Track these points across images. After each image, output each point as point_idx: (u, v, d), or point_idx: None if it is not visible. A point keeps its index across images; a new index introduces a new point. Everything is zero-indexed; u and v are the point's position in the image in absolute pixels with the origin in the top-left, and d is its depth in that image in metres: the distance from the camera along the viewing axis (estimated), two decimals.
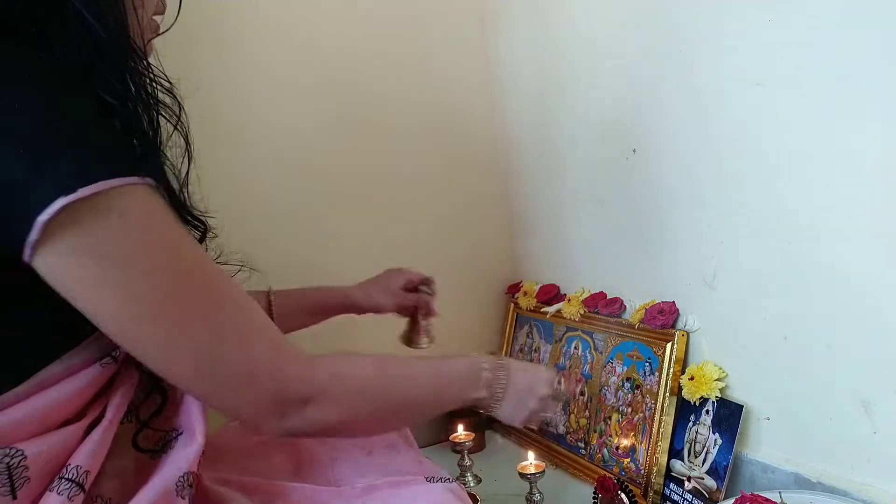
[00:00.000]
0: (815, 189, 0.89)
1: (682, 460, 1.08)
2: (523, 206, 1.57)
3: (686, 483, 1.06)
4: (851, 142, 0.84)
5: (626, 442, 1.18)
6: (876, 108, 0.80)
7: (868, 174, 0.83)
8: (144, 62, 0.60)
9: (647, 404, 1.15)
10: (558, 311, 1.41)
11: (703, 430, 1.05)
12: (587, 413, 1.29)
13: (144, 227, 0.50)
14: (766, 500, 0.83)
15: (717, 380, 1.04)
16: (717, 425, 1.03)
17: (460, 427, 1.28)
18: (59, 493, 0.51)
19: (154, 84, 0.61)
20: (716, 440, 1.03)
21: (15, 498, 0.50)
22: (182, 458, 0.58)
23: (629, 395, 1.20)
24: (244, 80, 1.30)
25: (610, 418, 1.23)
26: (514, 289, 1.59)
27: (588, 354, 1.32)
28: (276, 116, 1.33)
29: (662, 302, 1.17)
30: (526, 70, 1.46)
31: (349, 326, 1.13)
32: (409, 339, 1.07)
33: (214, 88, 1.23)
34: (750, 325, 1.01)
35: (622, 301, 1.27)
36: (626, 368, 1.22)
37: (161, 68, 0.64)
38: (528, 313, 1.52)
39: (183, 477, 0.57)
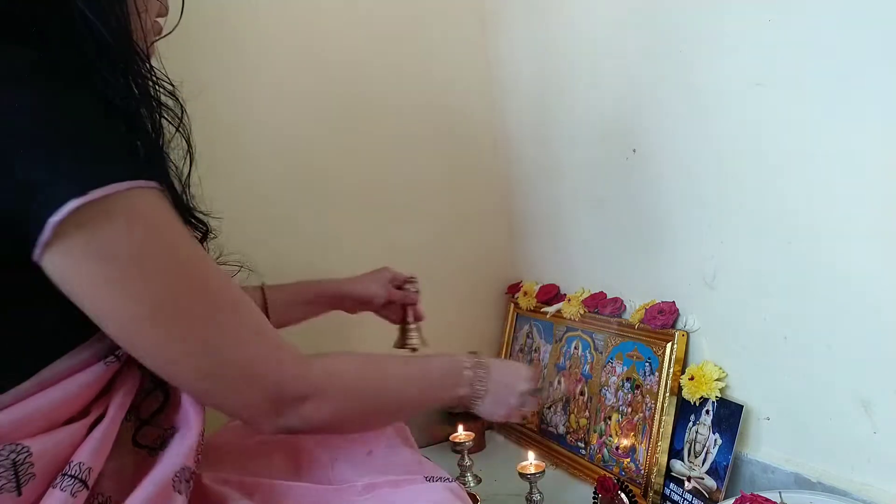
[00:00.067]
0: (815, 189, 0.89)
1: (682, 460, 1.08)
2: (523, 206, 1.57)
3: (686, 483, 1.06)
4: (851, 142, 0.84)
5: (626, 442, 1.18)
6: (876, 108, 0.80)
7: (868, 174, 0.83)
8: (147, 65, 0.60)
9: (647, 404, 1.15)
10: (558, 311, 1.41)
11: (703, 430, 1.05)
12: (587, 413, 1.29)
13: (151, 230, 0.52)
14: (766, 500, 0.83)
15: (717, 380, 1.04)
16: (717, 425, 1.03)
17: (460, 427, 1.28)
18: (62, 490, 0.51)
19: (157, 87, 0.61)
20: (716, 440, 1.03)
21: (20, 494, 0.50)
22: (178, 453, 0.58)
23: (629, 395, 1.20)
24: (244, 80, 1.30)
25: (610, 418, 1.23)
26: (514, 289, 1.59)
27: (588, 354, 1.32)
28: (276, 117, 1.33)
29: (662, 302, 1.17)
30: (526, 70, 1.46)
31: (343, 327, 1.15)
32: (403, 344, 1.09)
33: (214, 89, 1.23)
34: (750, 325, 1.01)
35: (622, 301, 1.27)
36: (626, 368, 1.22)
37: (164, 70, 0.64)
38: (528, 313, 1.52)
39: (179, 472, 0.57)
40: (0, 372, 0.52)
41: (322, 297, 1.04)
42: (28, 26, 0.52)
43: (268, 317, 0.73)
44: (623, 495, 1.01)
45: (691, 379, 1.08)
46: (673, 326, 1.14)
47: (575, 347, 1.36)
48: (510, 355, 1.55)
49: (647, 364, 1.17)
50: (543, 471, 1.10)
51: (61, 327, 0.55)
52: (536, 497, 1.10)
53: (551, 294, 1.46)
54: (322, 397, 0.61)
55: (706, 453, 1.04)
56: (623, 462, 1.17)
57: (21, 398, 0.52)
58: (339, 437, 0.77)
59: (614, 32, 1.20)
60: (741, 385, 1.04)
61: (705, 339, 1.10)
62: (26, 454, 0.50)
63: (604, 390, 1.26)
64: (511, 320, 1.57)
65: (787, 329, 0.96)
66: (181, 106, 0.64)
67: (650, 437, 1.12)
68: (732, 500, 0.87)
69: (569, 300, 1.39)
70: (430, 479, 0.70)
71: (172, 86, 0.64)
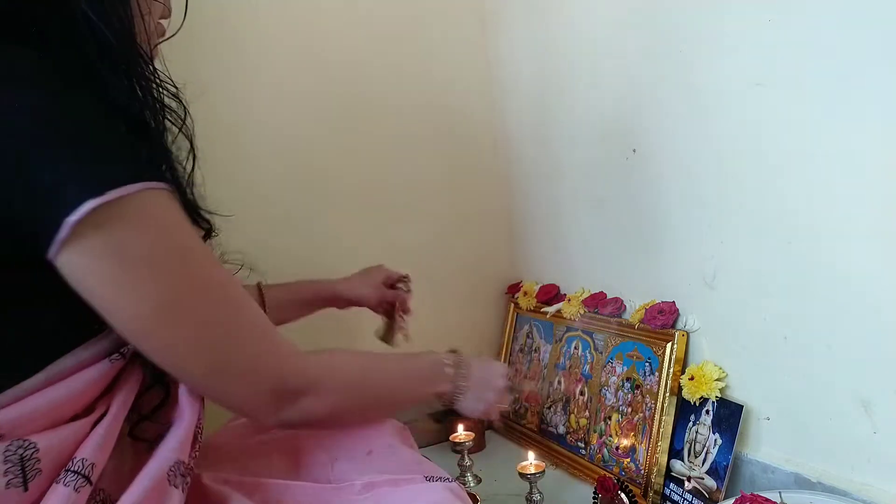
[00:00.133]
0: (815, 189, 0.89)
1: (682, 460, 1.08)
2: (523, 206, 1.57)
3: (686, 483, 1.06)
4: (851, 142, 0.84)
5: (626, 442, 1.18)
6: (876, 108, 0.80)
7: (868, 174, 0.83)
8: (150, 67, 0.61)
9: (647, 404, 1.15)
10: (558, 311, 1.41)
11: (703, 430, 1.05)
12: (587, 413, 1.29)
13: (163, 230, 0.54)
14: (766, 500, 0.83)
15: (717, 380, 1.04)
16: (717, 425, 1.03)
17: (460, 427, 1.28)
18: (65, 485, 0.52)
19: (160, 89, 0.62)
20: (716, 440, 1.03)
21: (26, 490, 0.51)
22: (171, 447, 0.59)
23: (629, 395, 1.20)
24: (244, 80, 1.30)
25: (610, 418, 1.23)
26: (514, 289, 1.59)
27: (588, 354, 1.32)
28: (277, 117, 1.34)
29: (662, 302, 1.17)
30: (526, 70, 1.46)
31: (339, 322, 1.18)
32: (386, 336, 1.12)
33: (215, 90, 1.23)
34: (750, 325, 1.01)
35: (622, 301, 1.27)
36: (626, 368, 1.22)
37: (167, 73, 0.65)
38: (528, 313, 1.52)
39: (174, 466, 0.58)
40: (7, 368, 0.53)
41: (317, 298, 1.08)
42: (33, 29, 0.53)
43: None
44: (623, 495, 1.01)
45: (691, 379, 1.08)
46: (673, 326, 1.14)
47: (575, 347, 1.36)
48: (510, 355, 1.56)
49: (647, 364, 1.17)
50: (543, 471, 1.10)
51: (67, 325, 0.56)
52: (536, 497, 1.10)
53: (551, 294, 1.46)
54: (320, 392, 0.63)
55: (706, 453, 1.04)
56: (623, 462, 1.17)
57: (28, 394, 0.53)
58: (338, 437, 0.77)
59: (614, 32, 1.20)
60: (741, 385, 1.04)
61: (705, 339, 1.10)
62: (33, 450, 0.51)
63: (604, 390, 1.26)
64: (511, 320, 1.57)
65: (787, 329, 0.96)
66: (184, 108, 0.66)
67: (650, 437, 1.12)
68: (732, 500, 0.87)
69: (569, 300, 1.39)
70: (429, 478, 0.70)
71: (176, 88, 0.65)
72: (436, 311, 1.47)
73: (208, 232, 0.69)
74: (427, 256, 1.49)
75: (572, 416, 1.32)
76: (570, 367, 1.36)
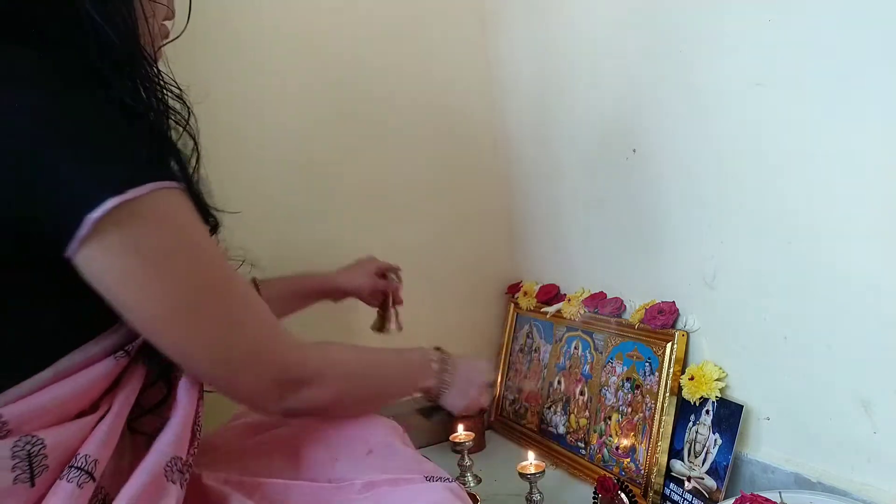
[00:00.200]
0: (815, 189, 0.89)
1: (682, 460, 1.08)
2: (523, 206, 1.57)
3: (686, 483, 1.06)
4: (851, 142, 0.84)
5: (626, 442, 1.18)
6: (876, 108, 0.80)
7: (868, 174, 0.83)
8: (155, 68, 0.62)
9: (647, 404, 1.15)
10: (558, 311, 1.41)
11: (703, 430, 1.05)
12: (587, 413, 1.29)
13: (178, 228, 0.56)
14: (766, 500, 0.83)
15: (717, 380, 1.04)
16: (717, 425, 1.03)
17: (460, 427, 1.28)
18: (68, 481, 0.52)
19: (164, 90, 0.63)
20: (716, 440, 1.03)
21: (33, 485, 0.51)
22: (166, 443, 0.59)
23: (629, 395, 1.20)
24: (244, 81, 1.30)
25: (610, 418, 1.23)
26: (514, 289, 1.59)
27: (588, 354, 1.32)
28: (277, 117, 1.34)
29: (662, 302, 1.17)
30: (526, 70, 1.47)
31: (335, 315, 1.20)
32: (380, 326, 1.15)
33: (216, 91, 1.23)
34: (750, 325, 1.01)
35: (622, 301, 1.27)
36: (626, 368, 1.22)
37: (172, 75, 0.66)
38: (528, 313, 1.52)
39: (171, 462, 0.58)
40: (14, 364, 0.54)
41: (312, 291, 1.09)
42: (39, 30, 0.54)
43: None
44: (623, 495, 1.01)
45: (691, 379, 1.08)
46: (673, 326, 1.14)
47: (575, 347, 1.36)
48: (510, 355, 1.56)
49: (647, 364, 1.17)
50: (543, 471, 1.10)
51: (73, 322, 0.57)
52: (536, 497, 1.10)
53: (551, 294, 1.46)
54: (321, 382, 0.66)
55: (706, 453, 1.04)
56: (623, 462, 1.17)
57: (35, 390, 0.53)
58: (338, 437, 0.77)
59: (614, 32, 1.20)
60: (741, 385, 1.04)
61: (705, 339, 1.10)
62: (41, 446, 0.52)
63: (604, 390, 1.26)
64: (511, 320, 1.57)
65: (787, 329, 0.96)
66: (188, 109, 0.67)
67: (650, 437, 1.12)
68: (732, 500, 0.87)
69: (569, 300, 1.39)
70: (429, 478, 0.70)
71: (180, 90, 0.66)
72: (436, 311, 1.47)
73: (214, 228, 0.70)
74: (427, 256, 1.49)
75: (572, 416, 1.32)
76: (570, 367, 1.36)
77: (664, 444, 1.09)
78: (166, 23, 0.68)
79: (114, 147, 0.53)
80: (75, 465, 0.53)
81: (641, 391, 1.17)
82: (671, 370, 1.11)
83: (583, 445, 1.28)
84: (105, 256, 0.52)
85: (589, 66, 1.27)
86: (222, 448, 0.79)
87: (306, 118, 1.36)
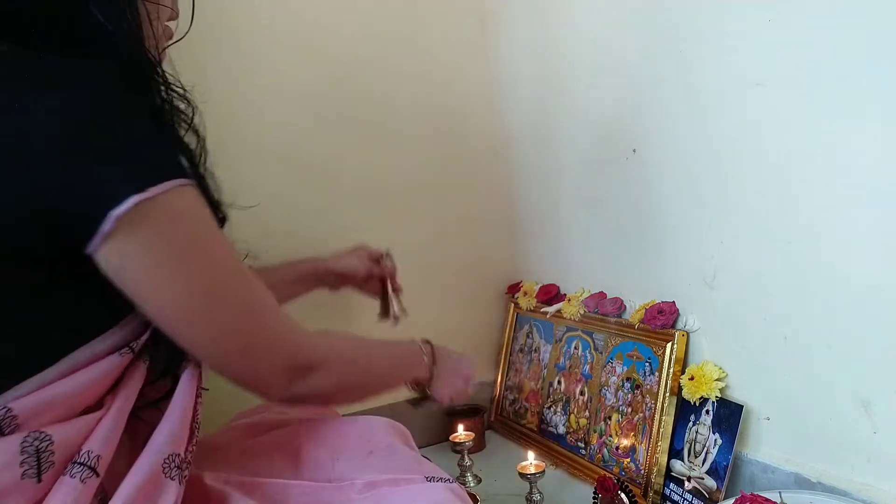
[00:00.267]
0: (815, 189, 0.89)
1: (682, 460, 1.08)
2: (523, 205, 1.57)
3: (686, 483, 1.06)
4: (851, 142, 0.84)
5: (626, 442, 1.18)
6: (876, 108, 0.80)
7: (868, 174, 0.83)
8: (160, 69, 0.64)
9: (647, 404, 1.15)
10: (558, 311, 1.41)
11: (703, 430, 1.05)
12: (587, 413, 1.29)
13: (194, 223, 0.58)
14: (766, 500, 0.83)
15: (717, 380, 1.04)
16: (717, 425, 1.03)
17: (460, 427, 1.28)
18: (71, 477, 0.53)
19: (169, 91, 0.64)
20: (716, 440, 1.03)
21: (40, 481, 0.52)
22: (163, 440, 0.60)
23: (629, 395, 1.20)
24: (244, 81, 1.30)
25: (610, 418, 1.23)
26: (514, 289, 1.59)
27: (588, 354, 1.32)
28: (277, 117, 1.34)
29: (662, 302, 1.17)
30: (526, 70, 1.47)
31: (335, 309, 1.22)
32: (385, 313, 1.15)
33: (215, 90, 1.23)
34: (750, 325, 1.01)
35: (622, 301, 1.27)
36: (626, 368, 1.22)
37: (176, 75, 0.67)
38: (528, 313, 1.52)
39: (169, 458, 0.59)
40: (24, 359, 0.55)
41: (307, 276, 1.10)
42: (46, 32, 0.56)
43: None
44: (623, 495, 1.01)
45: (691, 379, 1.08)
46: (673, 326, 1.14)
47: (575, 347, 1.36)
48: (510, 355, 1.56)
49: (647, 364, 1.17)
50: (543, 471, 1.10)
51: (82, 318, 0.58)
52: (536, 497, 1.10)
53: (551, 294, 1.46)
54: (326, 369, 0.67)
55: (706, 453, 1.04)
56: (623, 462, 1.17)
57: (44, 384, 0.54)
58: (339, 437, 0.77)
59: (614, 32, 1.20)
60: (741, 385, 1.04)
61: (705, 339, 1.10)
62: (48, 442, 0.53)
63: (604, 390, 1.26)
64: (511, 320, 1.57)
65: (787, 329, 0.96)
66: (193, 108, 0.68)
67: (650, 437, 1.12)
68: (732, 500, 0.87)
69: (569, 300, 1.39)
70: (430, 479, 0.70)
71: (184, 89, 0.67)
72: (436, 311, 1.47)
73: (222, 222, 0.71)
74: (427, 256, 1.49)
75: (572, 416, 1.32)
76: (570, 367, 1.36)
77: (664, 444, 1.09)
78: (170, 24, 0.69)
79: (134, 146, 0.54)
80: (78, 460, 0.54)
81: (641, 391, 1.17)
82: (671, 370, 1.11)
83: (583, 445, 1.28)
84: (127, 252, 0.53)
85: (589, 66, 1.27)
86: (223, 448, 0.80)
87: (306, 118, 1.36)
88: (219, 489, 0.67)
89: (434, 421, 1.47)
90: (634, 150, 1.19)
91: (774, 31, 0.91)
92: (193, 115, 0.68)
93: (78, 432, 0.55)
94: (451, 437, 1.27)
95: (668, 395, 1.11)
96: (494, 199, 1.60)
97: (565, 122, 1.37)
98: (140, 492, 0.55)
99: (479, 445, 1.43)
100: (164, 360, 0.63)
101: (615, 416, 1.22)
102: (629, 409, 1.19)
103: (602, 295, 1.32)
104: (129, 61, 0.58)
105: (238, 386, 0.64)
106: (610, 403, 1.24)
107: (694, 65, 1.04)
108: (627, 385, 1.21)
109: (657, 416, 1.11)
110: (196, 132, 0.68)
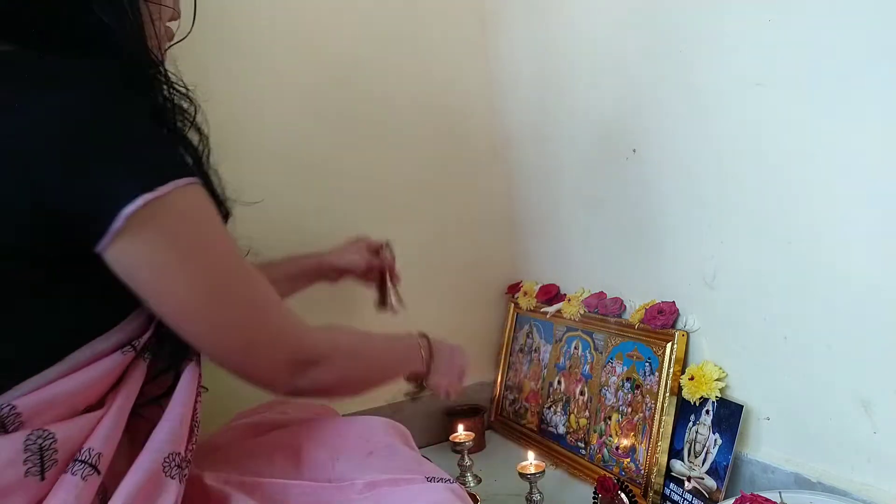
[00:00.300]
0: (815, 189, 0.89)
1: (682, 460, 1.08)
2: (523, 205, 1.57)
3: (686, 483, 1.06)
4: (851, 142, 0.84)
5: (626, 442, 1.18)
6: (876, 108, 0.80)
7: (868, 174, 0.83)
8: (162, 69, 0.64)
9: (647, 404, 1.15)
10: (558, 311, 1.41)
11: (703, 430, 1.05)
12: (587, 413, 1.29)
13: (201, 220, 0.58)
14: (766, 500, 0.83)
15: (717, 380, 1.04)
16: (717, 425, 1.03)
17: (460, 427, 1.28)
18: (72, 474, 0.53)
19: (172, 90, 0.65)
20: (716, 440, 1.03)
21: (43, 479, 0.52)
22: (162, 439, 0.60)
23: (629, 395, 1.20)
24: (244, 81, 1.30)
25: (610, 418, 1.23)
26: (514, 289, 1.59)
27: (588, 354, 1.32)
28: (276, 117, 1.34)
29: (662, 302, 1.17)
30: (526, 70, 1.47)
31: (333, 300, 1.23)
32: (383, 303, 1.16)
33: (215, 90, 1.23)
34: (750, 325, 1.01)
35: (622, 301, 1.27)
36: (626, 368, 1.22)
37: (179, 74, 0.67)
38: (528, 313, 1.52)
39: (169, 457, 0.59)
40: (29, 357, 0.55)
41: (308, 271, 1.11)
42: (49, 33, 0.56)
43: None
44: (623, 495, 1.01)
45: (691, 379, 1.08)
46: (673, 326, 1.14)
47: (575, 347, 1.36)
48: (510, 355, 1.56)
49: (647, 364, 1.17)
50: (543, 471, 1.10)
51: (84, 317, 0.58)
52: (536, 497, 1.10)
53: (551, 294, 1.46)
54: (328, 363, 0.68)
55: (706, 453, 1.04)
56: (623, 462, 1.17)
57: (48, 383, 0.55)
58: (339, 437, 0.77)
59: (614, 32, 1.20)
60: (741, 385, 1.04)
61: (705, 339, 1.10)
62: (52, 440, 0.53)
63: (604, 390, 1.26)
64: (511, 320, 1.57)
65: (787, 329, 0.96)
66: (195, 107, 0.68)
67: (650, 437, 1.12)
68: (732, 500, 0.87)
69: (569, 300, 1.39)
70: (430, 479, 0.70)
71: (187, 88, 0.68)
72: (436, 311, 1.47)
73: (225, 217, 0.72)
74: (427, 256, 1.49)
75: (572, 416, 1.32)
76: (570, 367, 1.36)
77: (664, 444, 1.09)
78: (171, 25, 0.69)
79: (135, 146, 0.55)
80: (79, 458, 0.54)
81: (641, 391, 1.17)
82: (671, 370, 1.11)
83: (583, 445, 1.28)
84: (137, 249, 0.54)
85: (589, 66, 1.27)
86: (223, 448, 0.80)
87: (305, 118, 1.36)
88: (219, 489, 0.67)
89: (434, 421, 1.47)
90: (634, 150, 1.19)
91: (774, 31, 0.91)
92: (196, 113, 0.68)
93: (80, 430, 0.55)
94: (451, 437, 1.27)
95: (668, 395, 1.11)
96: (494, 199, 1.60)
97: (565, 122, 1.37)
98: (141, 490, 0.56)
99: (479, 445, 1.43)
100: (167, 357, 0.63)
101: (615, 416, 1.22)
102: (629, 409, 1.19)
103: (602, 295, 1.32)
104: (130, 61, 0.59)
105: (242, 379, 0.65)
106: (610, 403, 1.24)
107: (694, 65, 1.04)
108: (627, 385, 1.21)
109: (657, 416, 1.11)
110: (199, 130, 0.68)
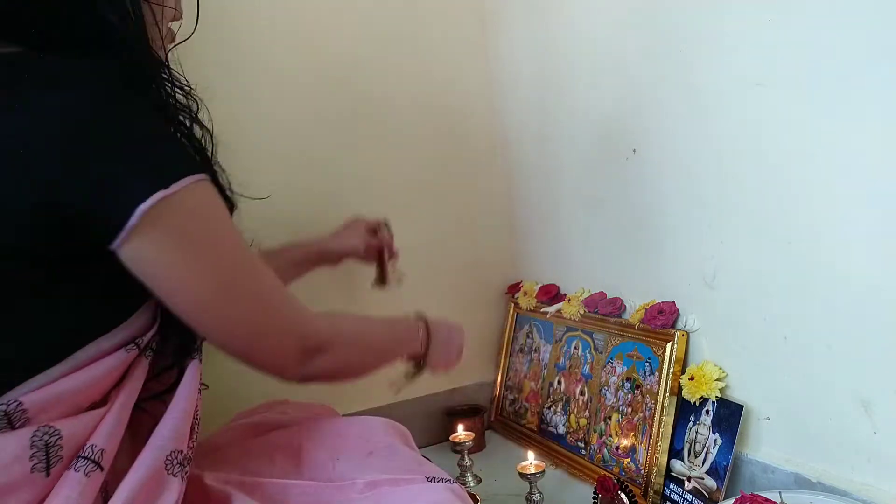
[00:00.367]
0: (815, 189, 0.89)
1: (682, 460, 1.08)
2: (523, 205, 1.57)
3: (686, 483, 1.06)
4: (851, 142, 0.84)
5: (626, 442, 1.18)
6: (876, 108, 0.80)
7: (868, 174, 0.83)
8: (165, 68, 0.65)
9: (647, 404, 1.15)
10: (558, 311, 1.41)
11: (703, 430, 1.05)
12: (587, 413, 1.29)
13: (211, 216, 0.60)
14: (766, 500, 0.83)
15: (717, 380, 1.04)
16: (717, 425, 1.03)
17: (460, 427, 1.28)
18: (76, 471, 0.54)
19: (175, 89, 0.66)
20: (716, 440, 1.03)
21: (48, 475, 0.53)
22: (163, 436, 0.60)
23: (629, 395, 1.20)
24: (244, 81, 1.30)
25: (610, 418, 1.23)
26: (514, 289, 1.59)
27: (588, 354, 1.32)
28: (276, 117, 1.34)
29: (662, 302, 1.17)
30: (526, 70, 1.47)
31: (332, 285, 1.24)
32: (381, 280, 1.17)
33: (215, 89, 1.23)
34: (750, 325, 1.01)
35: (622, 301, 1.27)
36: (626, 368, 1.22)
37: (182, 74, 0.68)
38: (528, 313, 1.52)
39: (171, 455, 0.60)
40: (35, 355, 0.55)
41: (310, 257, 1.13)
42: (53, 34, 0.57)
43: None
44: (623, 495, 1.01)
45: (691, 379, 1.08)
46: (673, 326, 1.14)
47: (575, 347, 1.36)
48: (510, 355, 1.56)
49: (647, 364, 1.17)
50: (543, 471, 1.10)
51: (90, 317, 0.59)
52: (536, 497, 1.10)
53: (551, 294, 1.46)
54: (333, 349, 0.70)
55: (706, 453, 1.04)
56: (623, 462, 1.17)
57: (53, 380, 0.55)
58: (339, 437, 0.77)
59: (614, 32, 1.20)
60: (741, 385, 1.04)
61: (705, 339, 1.10)
62: (57, 437, 0.54)
63: (604, 390, 1.26)
64: (511, 320, 1.57)
65: (787, 329, 0.96)
66: (197, 105, 0.69)
67: (650, 437, 1.12)
68: (732, 500, 0.87)
69: (569, 300, 1.39)
70: (430, 479, 0.70)
71: (190, 87, 0.68)
72: (436, 311, 1.46)
73: (231, 211, 0.72)
74: (427, 256, 1.49)
75: (572, 416, 1.32)
76: (570, 367, 1.36)
77: (664, 444, 1.09)
78: (173, 24, 0.70)
79: (144, 145, 0.55)
80: (83, 454, 0.55)
81: (641, 391, 1.17)
82: (671, 370, 1.11)
83: (583, 445, 1.28)
84: (152, 245, 0.55)
85: (589, 66, 1.27)
86: (224, 448, 0.80)
87: (305, 118, 1.36)
88: (219, 489, 0.68)
89: (434, 421, 1.47)
90: (634, 150, 1.19)
91: (774, 31, 0.91)
92: (198, 110, 0.69)
93: (84, 427, 0.56)
94: (451, 437, 1.27)
95: (668, 395, 1.11)
96: (494, 199, 1.60)
97: (565, 122, 1.37)
98: (143, 487, 0.56)
99: (479, 445, 1.43)
100: (170, 354, 0.64)
101: (615, 416, 1.22)
102: (629, 409, 1.19)
103: (602, 295, 1.32)
104: (131, 61, 0.59)
105: (254, 369, 0.66)
106: (610, 403, 1.24)
107: (694, 65, 1.04)
108: (627, 385, 1.21)
109: (657, 416, 1.11)
110: (203, 126, 0.69)
